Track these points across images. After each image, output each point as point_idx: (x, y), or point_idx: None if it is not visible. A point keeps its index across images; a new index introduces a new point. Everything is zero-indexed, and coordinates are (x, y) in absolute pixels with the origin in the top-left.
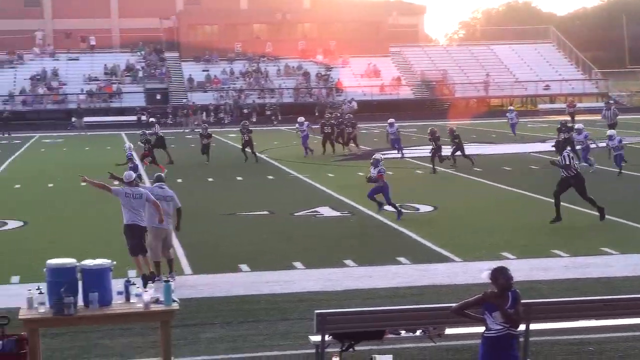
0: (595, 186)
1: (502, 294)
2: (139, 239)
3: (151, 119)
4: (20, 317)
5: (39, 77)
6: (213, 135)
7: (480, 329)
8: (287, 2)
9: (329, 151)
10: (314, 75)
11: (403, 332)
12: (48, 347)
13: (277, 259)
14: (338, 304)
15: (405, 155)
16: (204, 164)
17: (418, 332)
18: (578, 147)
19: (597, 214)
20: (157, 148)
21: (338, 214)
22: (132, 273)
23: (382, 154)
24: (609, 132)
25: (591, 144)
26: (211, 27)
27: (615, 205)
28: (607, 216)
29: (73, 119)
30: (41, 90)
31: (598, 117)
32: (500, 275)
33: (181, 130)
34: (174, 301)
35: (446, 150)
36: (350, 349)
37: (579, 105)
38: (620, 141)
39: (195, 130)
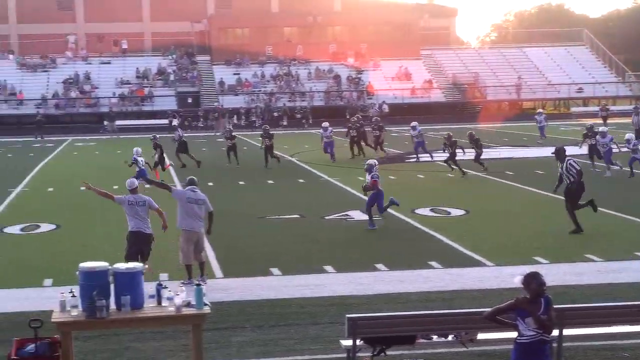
0: (625, 189)
1: (534, 299)
2: (140, 247)
3: (173, 124)
4: (53, 320)
5: (71, 80)
6: (239, 138)
7: (513, 334)
8: (318, 5)
9: (355, 154)
10: (344, 78)
11: (435, 337)
12: (80, 350)
13: (307, 263)
14: (369, 308)
15: (435, 158)
16: (235, 166)
17: (450, 337)
18: (601, 150)
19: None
20: (181, 153)
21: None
22: (163, 276)
23: (413, 158)
24: (627, 135)
25: (614, 147)
26: (242, 31)
27: None
28: (636, 219)
29: (105, 123)
30: (74, 93)
31: (629, 121)
32: (532, 281)
33: (212, 134)
34: (206, 305)
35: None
36: (382, 354)
37: (612, 108)
38: (635, 145)
39: (263, 127)
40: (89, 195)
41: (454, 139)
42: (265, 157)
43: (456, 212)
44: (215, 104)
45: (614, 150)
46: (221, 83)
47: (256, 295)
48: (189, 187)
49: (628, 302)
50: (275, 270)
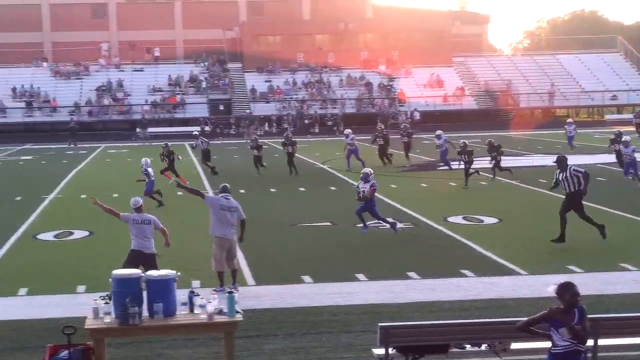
0: None
1: (568, 310)
2: (137, 266)
3: (194, 132)
4: (86, 326)
5: (104, 88)
6: (270, 145)
7: (547, 345)
8: (349, 13)
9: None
10: (376, 85)
11: (468, 347)
12: (113, 356)
13: (339, 271)
14: (401, 317)
15: (453, 168)
16: (263, 175)
17: (483, 347)
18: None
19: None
20: (205, 160)
21: (401, 225)
22: (195, 284)
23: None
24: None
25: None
26: (274, 38)
27: None
28: None
29: (137, 130)
30: (106, 101)
31: None
32: (566, 292)
33: (243, 141)
34: (238, 312)
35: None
36: None
37: None
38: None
39: (284, 135)
40: (122, 202)
41: (469, 149)
42: (289, 165)
43: (489, 220)
44: (247, 111)
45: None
46: (253, 90)
47: (288, 303)
48: (222, 194)
49: None
50: (307, 278)
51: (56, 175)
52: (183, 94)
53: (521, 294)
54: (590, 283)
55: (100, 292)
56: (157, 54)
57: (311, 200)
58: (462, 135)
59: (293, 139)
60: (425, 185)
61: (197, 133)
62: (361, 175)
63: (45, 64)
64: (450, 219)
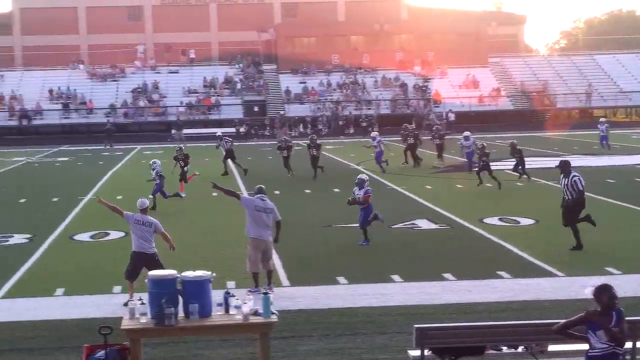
0: None
1: (605, 312)
2: (141, 266)
3: (218, 133)
4: (122, 327)
5: (140, 90)
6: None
7: (585, 347)
8: (384, 14)
9: (404, 161)
10: (411, 86)
11: (504, 348)
12: (149, 356)
13: (374, 272)
14: (436, 318)
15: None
16: (289, 176)
17: (520, 349)
18: None
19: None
20: (230, 159)
21: (436, 226)
22: (231, 284)
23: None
24: None
25: None
26: (308, 39)
27: None
28: None
29: (173, 131)
30: (142, 102)
31: None
32: (604, 294)
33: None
34: (273, 313)
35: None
36: None
37: None
38: None
39: (310, 138)
40: (158, 203)
41: (487, 151)
42: (314, 168)
43: (525, 221)
44: (282, 112)
45: None
46: (287, 92)
47: (323, 304)
48: (258, 195)
49: None
50: (341, 279)
51: (92, 176)
52: (218, 95)
53: (558, 295)
54: (628, 285)
55: (136, 293)
56: (192, 55)
57: (345, 200)
58: (497, 135)
59: (317, 142)
60: (460, 186)
61: (220, 134)
62: (356, 181)
63: (81, 66)
64: (486, 220)
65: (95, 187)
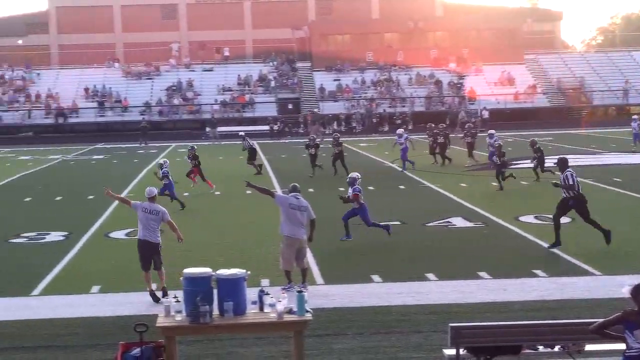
0: None
1: None
2: (149, 255)
3: (240, 133)
4: (157, 324)
5: (174, 88)
6: (342, 145)
7: (622, 346)
8: (419, 11)
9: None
10: (446, 83)
11: (541, 348)
12: (184, 353)
13: (409, 270)
14: (471, 317)
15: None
16: (312, 176)
17: (556, 348)
18: None
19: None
20: (250, 160)
21: (471, 224)
22: (265, 282)
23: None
24: None
25: None
26: (343, 37)
27: None
28: None
29: (207, 129)
30: (177, 100)
31: None
32: None
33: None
34: (307, 311)
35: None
36: None
37: None
38: None
39: (333, 136)
40: (192, 200)
41: (503, 150)
42: (334, 165)
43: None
44: (315, 109)
45: None
46: (321, 89)
47: (357, 302)
48: (292, 193)
49: None
50: (376, 277)
51: (128, 174)
52: (252, 93)
53: (595, 294)
54: None
55: (171, 290)
56: (226, 53)
57: (380, 199)
58: (533, 133)
59: (340, 140)
60: (495, 184)
61: (242, 134)
62: (348, 180)
63: (116, 64)
64: (522, 218)
65: (130, 184)
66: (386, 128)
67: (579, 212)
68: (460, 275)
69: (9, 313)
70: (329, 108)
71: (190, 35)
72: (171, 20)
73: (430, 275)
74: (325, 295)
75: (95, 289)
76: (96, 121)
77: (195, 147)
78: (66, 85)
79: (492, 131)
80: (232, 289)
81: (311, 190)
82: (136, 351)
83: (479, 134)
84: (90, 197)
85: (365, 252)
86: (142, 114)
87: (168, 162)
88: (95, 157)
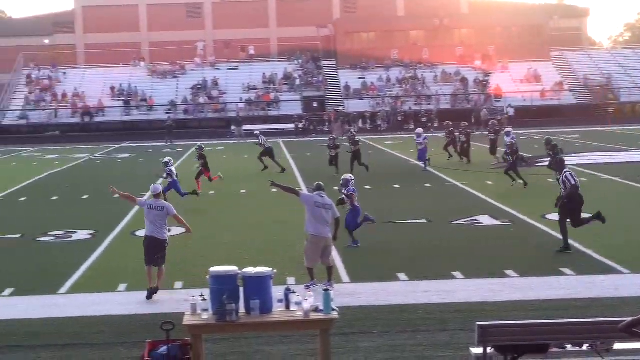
0: None
1: None
2: (154, 251)
3: (255, 132)
4: (184, 323)
5: (200, 86)
6: (362, 142)
7: None
8: (444, 8)
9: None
10: (472, 81)
11: (569, 347)
12: (210, 352)
13: (435, 268)
14: (498, 316)
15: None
16: (337, 175)
17: (584, 347)
18: None
19: None
20: (268, 157)
21: (498, 222)
22: (291, 280)
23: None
24: None
25: None
26: (368, 35)
27: None
28: None
29: (232, 127)
30: (202, 99)
31: None
32: None
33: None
34: (333, 310)
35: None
36: None
37: None
38: None
39: (349, 135)
40: (218, 199)
41: (515, 148)
42: (351, 163)
43: (589, 217)
44: (341, 108)
45: None
46: (346, 87)
47: (383, 301)
48: (317, 192)
49: None
50: (402, 276)
51: (153, 172)
52: (277, 91)
53: (623, 293)
54: None
55: (197, 289)
56: (251, 52)
57: (406, 197)
58: (560, 130)
59: (356, 139)
60: (522, 182)
61: (257, 132)
62: (341, 182)
63: (142, 63)
64: (549, 216)
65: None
66: (412, 126)
67: (571, 214)
68: (487, 273)
69: (36, 311)
70: (354, 106)
71: (216, 33)
72: (196, 19)
73: (457, 274)
74: (352, 293)
75: (122, 287)
76: (122, 120)
77: (203, 147)
78: (92, 85)
79: (509, 129)
80: (258, 287)
81: (336, 188)
82: (163, 349)
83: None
84: (117, 195)
85: (391, 250)
86: (167, 113)
87: (172, 160)
88: (121, 155)
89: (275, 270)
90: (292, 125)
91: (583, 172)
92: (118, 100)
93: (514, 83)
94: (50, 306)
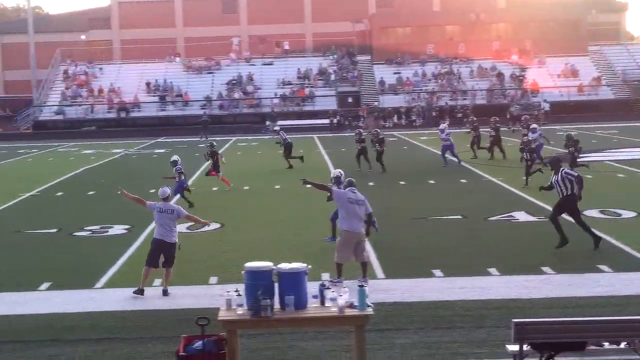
0: None
1: None
2: (159, 254)
3: (275, 127)
4: (219, 318)
5: (235, 82)
6: (399, 137)
7: None
8: (480, 2)
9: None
10: (508, 76)
11: (606, 344)
12: (246, 347)
13: (471, 265)
14: (535, 313)
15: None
16: (359, 170)
17: (622, 345)
18: None
19: None
20: (286, 155)
21: (534, 219)
22: (325, 276)
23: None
24: None
25: None
26: (403, 30)
27: None
28: None
29: (267, 123)
30: (237, 94)
31: None
32: None
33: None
34: (369, 306)
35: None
36: None
37: None
38: None
39: (372, 132)
40: (253, 194)
41: (532, 146)
42: (380, 161)
43: (627, 213)
44: (376, 103)
45: None
46: (381, 82)
47: (418, 297)
48: (349, 188)
49: None
50: (437, 272)
51: (189, 168)
52: (312, 86)
53: None
54: None
55: (232, 284)
56: (286, 47)
57: (441, 193)
58: (597, 125)
59: (380, 137)
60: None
61: (277, 128)
62: (332, 179)
63: (177, 59)
64: (586, 213)
65: (191, 178)
66: (447, 121)
67: (558, 209)
68: (523, 270)
69: (73, 305)
70: (389, 101)
71: (250, 29)
72: (231, 15)
73: (493, 270)
74: (386, 289)
75: (157, 282)
76: (157, 115)
77: (215, 144)
78: (128, 80)
79: (535, 126)
80: (293, 283)
81: (371, 183)
82: (198, 344)
83: (542, 127)
84: (152, 190)
85: (426, 246)
86: (202, 108)
87: (180, 159)
88: (157, 151)
89: (309, 266)
90: (326, 121)
91: (621, 168)
92: (154, 96)
93: (550, 78)
94: (86, 300)
